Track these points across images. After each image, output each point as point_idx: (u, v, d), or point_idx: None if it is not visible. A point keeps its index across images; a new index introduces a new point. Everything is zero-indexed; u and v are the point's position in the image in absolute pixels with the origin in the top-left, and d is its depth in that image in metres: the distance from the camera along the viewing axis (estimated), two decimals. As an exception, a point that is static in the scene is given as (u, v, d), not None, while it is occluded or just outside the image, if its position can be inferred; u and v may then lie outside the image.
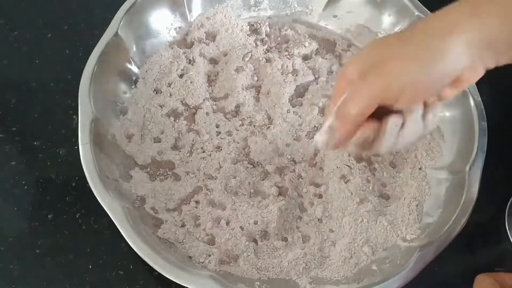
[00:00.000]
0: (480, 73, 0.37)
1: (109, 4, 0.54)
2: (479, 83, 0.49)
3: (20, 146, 0.53)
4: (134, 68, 0.53)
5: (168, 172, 0.50)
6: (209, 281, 0.40)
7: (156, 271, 0.41)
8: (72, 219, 0.49)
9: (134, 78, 0.53)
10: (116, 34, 0.50)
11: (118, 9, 0.52)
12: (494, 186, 0.51)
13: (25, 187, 0.50)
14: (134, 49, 0.53)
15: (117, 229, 0.42)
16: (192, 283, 0.40)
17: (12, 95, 0.55)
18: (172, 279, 0.40)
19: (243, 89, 0.54)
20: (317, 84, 0.56)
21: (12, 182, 0.51)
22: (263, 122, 0.53)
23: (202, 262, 0.44)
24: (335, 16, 0.60)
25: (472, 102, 0.49)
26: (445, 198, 0.47)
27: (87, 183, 0.43)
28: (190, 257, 0.44)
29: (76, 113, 0.46)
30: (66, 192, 0.50)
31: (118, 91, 0.52)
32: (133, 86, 0.53)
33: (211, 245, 0.46)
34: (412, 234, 0.46)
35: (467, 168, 0.46)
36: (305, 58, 0.58)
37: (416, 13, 0.55)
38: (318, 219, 0.48)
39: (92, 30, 0.54)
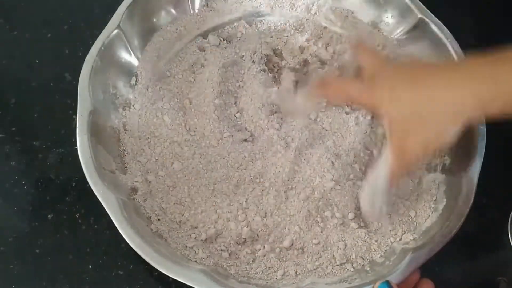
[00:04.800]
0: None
1: (109, 4, 0.56)
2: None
3: (20, 146, 0.55)
4: (134, 62, 0.56)
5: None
6: (200, 275, 0.42)
7: (156, 271, 0.43)
8: (72, 219, 0.51)
9: (134, 71, 0.56)
10: (118, 27, 0.53)
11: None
12: (497, 190, 0.53)
13: (25, 187, 0.53)
14: (136, 42, 0.56)
15: (117, 229, 0.44)
16: (183, 277, 0.42)
17: (12, 95, 0.57)
18: (163, 272, 0.42)
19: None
20: None
21: (12, 182, 0.53)
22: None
23: (195, 257, 0.46)
24: (338, 17, 0.62)
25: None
26: (442, 201, 0.49)
27: (87, 183, 0.45)
28: (183, 251, 0.46)
29: (76, 113, 0.49)
30: (66, 192, 0.52)
31: (118, 83, 0.54)
32: (133, 80, 0.56)
33: (205, 241, 0.48)
34: (407, 237, 0.48)
35: (464, 172, 0.48)
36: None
37: (419, 15, 0.57)
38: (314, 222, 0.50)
39: (92, 30, 0.57)
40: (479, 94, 0.41)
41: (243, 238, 0.49)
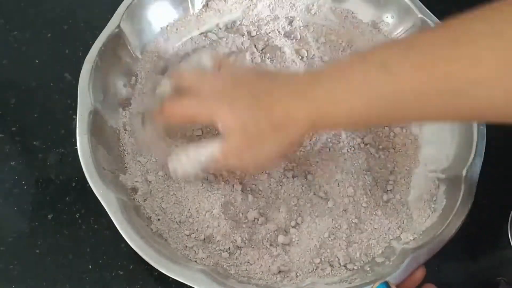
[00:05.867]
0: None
1: (109, 4, 0.56)
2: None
3: (20, 146, 0.55)
4: (134, 62, 0.56)
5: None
6: (200, 275, 0.42)
7: (156, 271, 0.43)
8: (72, 219, 0.52)
9: (134, 71, 0.56)
10: (118, 27, 0.53)
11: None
12: (497, 190, 0.53)
13: (25, 187, 0.53)
14: (136, 42, 0.56)
15: (117, 229, 0.44)
16: (183, 277, 0.42)
17: (12, 95, 0.58)
18: (163, 272, 0.42)
19: None
20: None
21: (12, 182, 0.53)
22: None
23: (195, 257, 0.46)
24: (338, 18, 0.63)
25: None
26: (442, 201, 0.50)
27: (87, 183, 0.46)
28: (183, 251, 0.47)
29: (76, 113, 0.49)
30: (66, 192, 0.53)
31: (118, 83, 0.54)
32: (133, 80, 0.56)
33: (204, 241, 0.48)
34: (407, 237, 0.49)
35: (464, 172, 0.48)
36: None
37: (419, 15, 0.57)
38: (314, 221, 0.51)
39: (92, 30, 0.57)
40: (309, 115, 0.41)
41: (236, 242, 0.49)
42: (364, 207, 0.51)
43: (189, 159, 0.46)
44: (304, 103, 0.41)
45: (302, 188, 0.52)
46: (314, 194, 0.53)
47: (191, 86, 0.46)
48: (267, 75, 0.47)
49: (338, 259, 0.48)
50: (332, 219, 0.50)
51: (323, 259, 0.48)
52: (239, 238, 0.48)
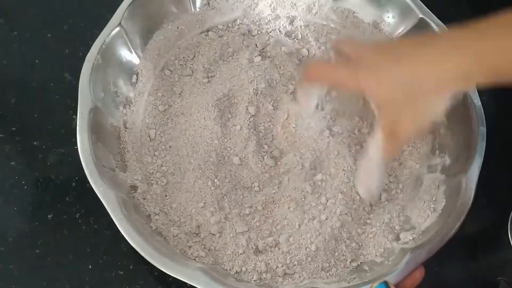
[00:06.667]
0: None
1: (109, 4, 0.57)
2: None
3: (20, 146, 0.56)
4: (135, 60, 0.56)
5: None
6: (199, 273, 0.43)
7: (156, 271, 0.43)
8: (72, 219, 0.52)
9: (135, 69, 0.57)
10: (119, 25, 0.53)
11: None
12: (497, 190, 0.54)
13: (25, 187, 0.53)
14: (137, 41, 0.56)
15: (117, 229, 0.44)
16: (182, 275, 0.42)
17: (12, 95, 0.58)
18: (162, 270, 0.43)
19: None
20: None
21: (12, 182, 0.54)
22: None
23: (194, 255, 0.47)
24: (339, 17, 0.63)
25: (471, 106, 0.51)
26: (442, 201, 0.50)
27: (87, 183, 0.46)
28: (182, 249, 0.47)
29: (76, 113, 0.49)
30: (66, 192, 0.53)
31: (119, 82, 0.55)
32: (134, 78, 0.56)
33: (204, 239, 0.49)
34: (406, 236, 0.49)
35: (464, 172, 0.48)
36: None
37: (420, 15, 0.57)
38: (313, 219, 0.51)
39: (92, 30, 0.57)
40: (462, 67, 0.41)
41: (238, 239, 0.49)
42: (364, 209, 0.52)
43: (373, 176, 0.49)
44: (459, 57, 0.41)
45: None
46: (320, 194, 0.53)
47: (352, 55, 0.46)
48: (411, 41, 0.47)
49: (346, 258, 0.49)
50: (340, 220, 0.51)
51: (333, 261, 0.48)
52: (240, 235, 0.49)
